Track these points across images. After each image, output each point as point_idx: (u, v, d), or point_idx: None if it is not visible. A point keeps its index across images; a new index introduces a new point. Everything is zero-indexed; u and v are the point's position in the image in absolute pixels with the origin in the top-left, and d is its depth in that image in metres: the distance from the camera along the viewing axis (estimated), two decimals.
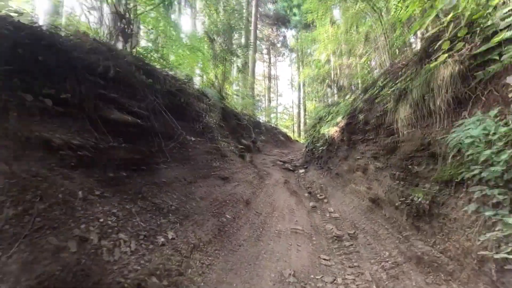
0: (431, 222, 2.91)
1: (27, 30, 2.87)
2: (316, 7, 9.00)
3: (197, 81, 9.56)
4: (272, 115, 22.69)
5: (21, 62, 2.72)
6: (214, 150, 5.65)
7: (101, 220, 2.44)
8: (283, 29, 24.03)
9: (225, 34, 8.59)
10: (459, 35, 3.56)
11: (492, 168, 2.13)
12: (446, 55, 3.49)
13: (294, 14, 22.02)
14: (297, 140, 19.72)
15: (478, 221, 2.24)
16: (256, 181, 6.30)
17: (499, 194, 2.08)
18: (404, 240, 3.31)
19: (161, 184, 3.56)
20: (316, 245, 3.93)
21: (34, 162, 2.31)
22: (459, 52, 3.43)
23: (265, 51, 25.59)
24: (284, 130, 21.51)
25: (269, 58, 26.27)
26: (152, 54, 6.56)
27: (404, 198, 3.57)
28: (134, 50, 4.87)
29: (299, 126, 24.67)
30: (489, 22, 2.72)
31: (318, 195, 7.00)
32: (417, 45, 7.38)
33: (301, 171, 9.63)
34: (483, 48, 2.63)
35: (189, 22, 18.84)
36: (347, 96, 8.67)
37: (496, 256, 2.01)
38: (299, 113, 24.96)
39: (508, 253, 1.95)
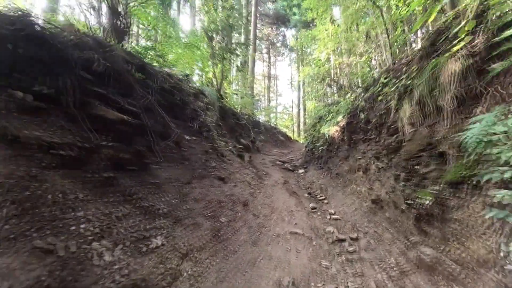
0: (442, 228, 2.66)
1: (4, 19, 2.62)
2: (316, 5, 8.74)
3: (196, 80, 9.32)
4: (272, 115, 22.43)
5: None
6: (211, 150, 5.39)
7: (82, 226, 2.19)
8: (282, 29, 23.78)
9: (224, 32, 8.33)
10: (466, 28, 3.31)
11: None
12: (456, 48, 3.24)
13: (294, 14, 21.77)
14: (296, 140, 19.47)
15: (500, 228, 1.99)
16: (255, 181, 6.05)
17: None
18: (411, 246, 3.06)
19: (151, 185, 3.31)
20: (317, 250, 3.68)
21: (6, 162, 2.06)
22: (471, 44, 3.18)
23: (264, 50, 25.32)
24: (284, 130, 21.26)
25: (269, 58, 26.00)
26: (149, 52, 6.32)
27: (411, 201, 3.31)
28: (127, 45, 4.61)
29: (298, 126, 24.41)
30: (507, 9, 2.46)
31: (318, 196, 6.75)
32: (418, 45, 7.13)
33: (301, 171, 9.38)
34: (505, 35, 2.36)
35: (189, 21, 18.60)
36: (348, 95, 8.41)
37: None
38: (298, 113, 24.70)
39: None
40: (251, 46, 14.05)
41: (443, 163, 3.04)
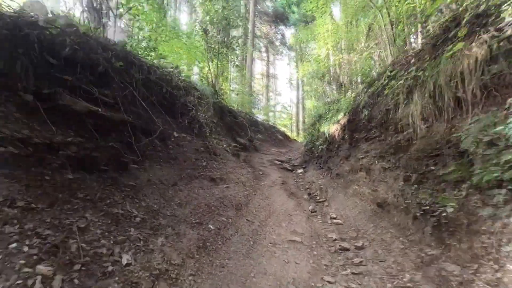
0: (471, 241, 2.19)
1: None
2: None
3: (195, 79, 8.82)
4: (270, 114, 21.94)
5: None
6: (202, 148, 4.91)
7: (27, 242, 1.71)
8: (281, 27, 23.26)
9: (220, 25, 7.83)
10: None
11: None
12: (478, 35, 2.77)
13: (293, 12, 21.27)
14: (295, 139, 18.99)
15: None
16: (251, 182, 5.56)
17: None
18: (428, 260, 2.58)
19: (128, 188, 2.82)
20: (318, 261, 3.20)
21: None
22: (496, 27, 2.71)
23: (263, 49, 24.81)
24: (282, 129, 20.78)
25: (268, 56, 25.49)
26: (139, 45, 5.81)
27: (427, 206, 2.83)
28: (106, 32, 4.11)
29: (297, 125, 23.95)
30: None
31: (318, 197, 6.27)
32: (418, 41, 6.66)
33: (300, 171, 8.90)
34: None
35: (187, 19, 18.06)
36: (349, 93, 7.94)
37: None
38: (297, 112, 24.24)
39: None
40: (249, 42, 13.56)
41: (467, 163, 2.57)
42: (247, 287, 2.37)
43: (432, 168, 2.99)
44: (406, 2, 5.82)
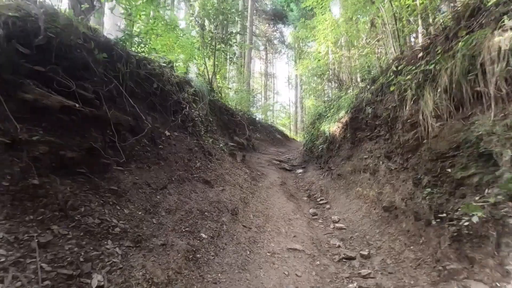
0: (502, 257, 1.87)
1: None
2: None
3: (191, 76, 8.44)
4: (269, 113, 21.60)
5: None
6: (196, 148, 4.57)
7: None
8: (280, 25, 22.89)
9: (217, 20, 7.48)
10: None
11: None
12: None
13: (292, 10, 20.92)
14: (294, 138, 18.69)
15: None
16: (248, 183, 5.23)
17: None
18: (448, 275, 2.27)
19: (108, 193, 2.48)
20: (321, 273, 2.88)
21: None
22: None
23: (262, 48, 24.44)
24: (281, 128, 20.46)
25: (266, 55, 25.13)
26: (130, 40, 5.45)
27: (443, 214, 2.52)
28: (89, 19, 3.75)
29: (296, 124, 23.63)
30: None
31: (318, 199, 5.96)
32: (419, 39, 6.35)
33: (299, 171, 8.59)
34: None
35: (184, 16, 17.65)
36: (350, 90, 7.62)
37: None
38: (296, 111, 23.92)
39: None
40: (247, 39, 13.20)
41: (491, 166, 2.25)
42: None
43: (448, 170, 2.68)
44: None
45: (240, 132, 9.04)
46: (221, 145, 5.91)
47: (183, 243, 2.56)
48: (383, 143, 4.82)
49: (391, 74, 4.67)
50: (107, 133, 2.93)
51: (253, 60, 23.00)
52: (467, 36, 2.97)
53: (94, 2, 4.22)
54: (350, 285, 2.68)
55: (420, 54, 4.14)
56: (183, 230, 2.75)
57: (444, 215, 2.49)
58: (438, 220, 2.55)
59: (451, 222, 2.38)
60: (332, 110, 7.76)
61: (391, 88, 4.36)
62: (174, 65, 5.46)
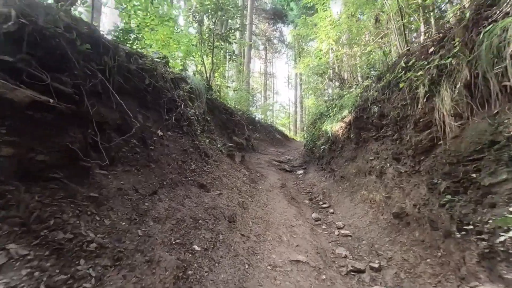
0: None
1: None
2: None
3: (187, 73, 8.09)
4: (268, 113, 21.27)
5: None
6: (191, 149, 4.23)
7: None
8: (279, 25, 22.55)
9: (215, 16, 7.14)
10: None
11: None
12: None
13: (291, 9, 20.61)
14: (293, 138, 18.37)
15: None
16: (247, 186, 4.91)
17: None
18: None
19: (85, 202, 2.15)
20: None
21: None
22: None
23: (261, 47, 24.09)
24: (281, 128, 20.15)
25: (265, 55, 24.78)
26: (125, 35, 5.11)
27: (470, 226, 2.19)
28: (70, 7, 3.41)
29: (295, 124, 23.32)
30: None
31: (321, 203, 5.64)
32: (421, 39, 6.03)
33: (300, 172, 8.27)
34: None
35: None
36: (353, 88, 7.30)
37: None
38: (295, 111, 23.59)
39: None
40: (247, 36, 12.87)
41: None
42: None
43: (473, 175, 2.35)
44: None
45: (239, 132, 8.72)
46: (218, 145, 5.58)
47: (173, 258, 2.23)
48: (391, 143, 4.51)
49: (400, 70, 4.35)
50: (89, 133, 2.59)
51: (253, 60, 22.66)
52: (491, 26, 2.66)
53: None
54: None
55: (432, 49, 3.82)
56: (173, 242, 2.42)
57: (471, 227, 2.17)
58: (464, 232, 2.23)
59: (480, 236, 2.06)
60: (335, 109, 7.43)
61: (401, 85, 4.03)
62: (169, 60, 5.11)
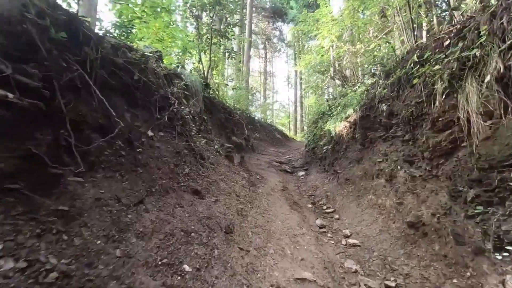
0: None
1: None
2: None
3: (184, 70, 7.69)
4: (268, 112, 20.88)
5: None
6: (186, 151, 3.85)
7: None
8: (279, 23, 22.14)
9: (213, 10, 6.74)
10: None
11: None
12: None
13: (291, 8, 20.21)
14: (293, 138, 18.00)
15: None
16: (246, 191, 4.53)
17: None
18: None
19: (51, 217, 1.76)
20: None
21: None
22: None
23: (261, 46, 23.66)
24: (281, 127, 19.77)
25: (265, 53, 24.36)
26: (117, 30, 4.72)
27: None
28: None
29: (295, 124, 22.94)
30: None
31: (324, 207, 5.26)
32: (423, 38, 5.65)
33: (301, 173, 7.89)
34: None
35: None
36: (357, 86, 6.92)
37: None
38: (295, 110, 23.20)
39: None
40: (246, 35, 12.48)
41: None
42: None
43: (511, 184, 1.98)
44: None
45: (238, 132, 8.34)
46: (216, 146, 5.19)
47: (157, 284, 1.85)
48: (401, 145, 4.14)
49: (412, 65, 3.97)
50: (61, 134, 2.20)
51: (252, 59, 22.25)
52: None
53: None
54: None
55: (447, 42, 3.44)
56: (159, 262, 2.03)
57: None
58: (506, 253, 1.85)
59: None
60: (338, 108, 7.05)
61: (414, 81, 3.65)
62: (163, 56, 4.72)
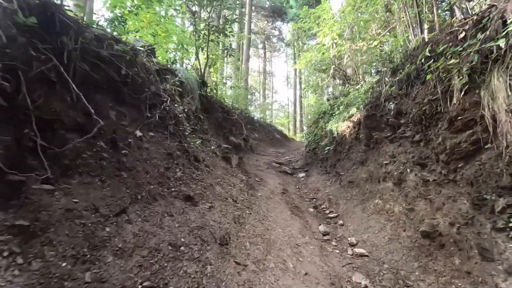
0: None
1: None
2: None
3: (180, 67, 7.36)
4: (267, 112, 20.55)
5: None
6: (178, 152, 3.52)
7: None
8: (278, 23, 21.81)
9: (210, 5, 6.41)
10: None
11: None
12: None
13: (291, 7, 19.87)
14: (293, 138, 17.68)
15: None
16: (244, 195, 4.20)
17: None
18: None
19: (3, 235, 1.43)
20: None
21: None
22: None
23: (260, 45, 23.33)
24: (280, 127, 19.45)
25: (264, 53, 24.03)
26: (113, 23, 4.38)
27: None
28: None
29: (295, 124, 22.62)
30: None
31: (327, 211, 4.94)
32: (432, 33, 5.35)
33: (301, 175, 7.56)
34: None
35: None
36: (360, 84, 6.60)
37: None
38: (295, 110, 22.88)
39: None
40: (245, 31, 12.16)
41: None
42: None
43: None
44: None
45: (236, 132, 8.00)
46: (212, 147, 4.86)
47: None
48: (410, 146, 3.82)
49: (422, 60, 3.65)
50: (26, 134, 1.87)
51: (251, 58, 21.93)
52: None
53: None
54: None
55: (462, 34, 3.12)
56: (139, 286, 1.70)
57: None
58: None
59: None
60: (341, 107, 6.72)
61: (427, 77, 3.33)
62: (156, 50, 4.38)
